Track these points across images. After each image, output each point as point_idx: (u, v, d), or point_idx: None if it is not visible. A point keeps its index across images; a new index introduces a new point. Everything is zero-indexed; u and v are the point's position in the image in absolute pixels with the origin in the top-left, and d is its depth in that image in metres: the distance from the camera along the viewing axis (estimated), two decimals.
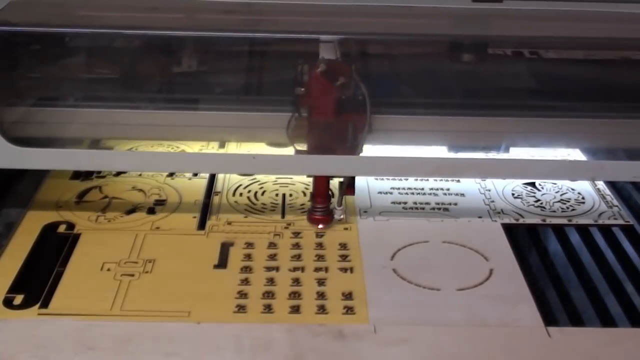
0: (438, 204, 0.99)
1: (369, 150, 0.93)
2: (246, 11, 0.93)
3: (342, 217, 0.93)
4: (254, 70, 1.06)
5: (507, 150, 0.93)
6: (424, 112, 0.98)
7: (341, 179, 0.93)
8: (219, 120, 1.00)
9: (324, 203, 0.93)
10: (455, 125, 0.98)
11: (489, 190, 1.02)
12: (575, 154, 1.06)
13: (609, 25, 0.93)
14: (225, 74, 1.07)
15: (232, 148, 1.07)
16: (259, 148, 1.03)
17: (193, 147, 1.08)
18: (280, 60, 1.04)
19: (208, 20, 0.96)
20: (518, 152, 0.98)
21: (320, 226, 0.92)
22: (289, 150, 0.94)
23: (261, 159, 0.92)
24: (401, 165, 0.92)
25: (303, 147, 0.93)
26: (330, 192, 0.94)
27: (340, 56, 0.91)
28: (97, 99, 1.01)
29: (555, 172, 0.94)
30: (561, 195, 1.03)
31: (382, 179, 1.04)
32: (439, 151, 1.00)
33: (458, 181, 1.04)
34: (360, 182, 1.03)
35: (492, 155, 0.98)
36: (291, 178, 1.04)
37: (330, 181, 0.94)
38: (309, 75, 0.91)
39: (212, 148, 1.08)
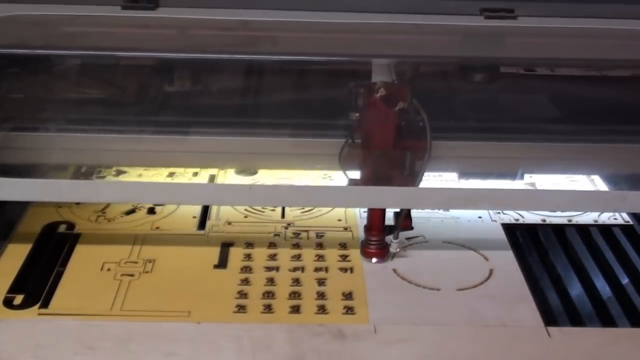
0: None
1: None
2: (242, 28, 0.88)
3: (397, 250, 0.86)
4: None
5: (522, 176, 0.89)
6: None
7: (397, 210, 0.86)
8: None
9: (379, 236, 0.86)
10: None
11: None
12: (596, 180, 1.03)
13: (629, 43, 0.91)
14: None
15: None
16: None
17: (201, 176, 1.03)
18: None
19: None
20: (535, 179, 0.95)
21: (374, 260, 0.86)
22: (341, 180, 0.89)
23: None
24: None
25: (356, 175, 0.87)
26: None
27: (396, 79, 0.85)
28: (83, 123, 0.95)
29: (573, 203, 0.87)
30: None
31: None
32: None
33: (458, 181, 1.03)
34: None
35: (506, 183, 0.94)
36: (292, 178, 1.04)
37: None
38: (366, 99, 0.85)
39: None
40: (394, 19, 0.87)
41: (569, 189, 0.97)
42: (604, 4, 0.89)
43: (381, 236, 0.86)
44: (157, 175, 1.02)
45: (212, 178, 1.02)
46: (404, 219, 0.85)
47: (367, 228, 0.87)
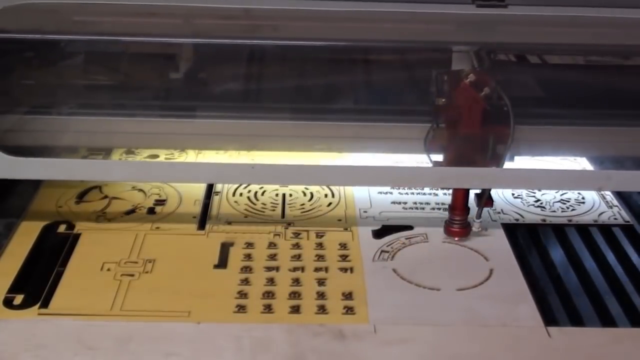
0: (438, 203, 0.99)
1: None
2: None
3: (479, 229, 0.91)
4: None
5: (512, 158, 0.92)
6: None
7: (478, 191, 0.91)
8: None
9: (462, 215, 0.90)
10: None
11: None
12: (583, 163, 1.06)
13: (617, 31, 0.92)
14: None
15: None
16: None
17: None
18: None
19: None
20: (524, 161, 0.95)
21: (457, 239, 0.91)
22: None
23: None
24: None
25: (440, 158, 0.90)
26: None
27: (478, 66, 0.88)
28: (94, 106, 0.98)
29: (561, 182, 0.92)
30: (561, 195, 1.03)
31: None
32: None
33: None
34: None
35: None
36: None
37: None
38: (453, 85, 0.88)
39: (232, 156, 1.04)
40: (388, 7, 0.90)
41: (556, 168, 0.99)
42: None
43: (464, 215, 0.91)
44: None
45: None
46: (487, 199, 0.90)
47: (451, 208, 0.91)
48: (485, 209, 0.95)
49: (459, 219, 0.91)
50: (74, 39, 0.95)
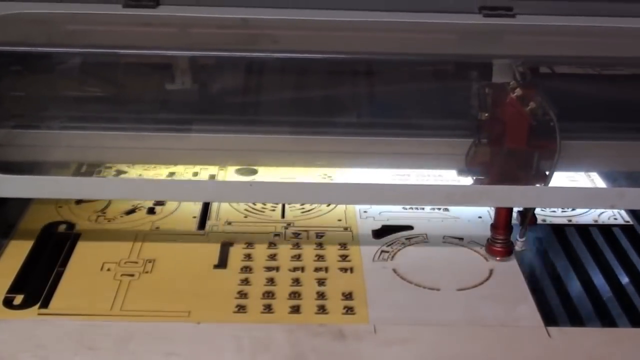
0: None
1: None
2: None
3: (523, 249, 0.88)
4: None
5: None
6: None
7: (521, 208, 0.88)
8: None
9: (505, 235, 0.87)
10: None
11: None
12: (595, 178, 1.04)
13: (627, 41, 0.90)
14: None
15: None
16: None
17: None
18: (326, 82, 0.98)
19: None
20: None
21: (498, 258, 0.87)
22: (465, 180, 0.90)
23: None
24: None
25: (482, 175, 0.89)
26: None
27: (520, 78, 0.86)
28: (86, 120, 0.94)
29: (571, 200, 0.89)
30: None
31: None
32: None
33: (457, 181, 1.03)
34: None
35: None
36: (292, 178, 1.04)
37: None
38: (497, 99, 0.86)
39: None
40: (391, 17, 0.88)
41: (567, 186, 0.97)
42: (603, 2, 0.89)
43: (507, 235, 0.87)
44: (158, 176, 1.01)
45: (212, 178, 1.02)
46: (531, 216, 0.87)
47: (494, 227, 0.88)
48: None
49: (501, 238, 0.88)
50: (64, 51, 0.92)
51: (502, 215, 0.87)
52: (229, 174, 1.03)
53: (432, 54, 0.93)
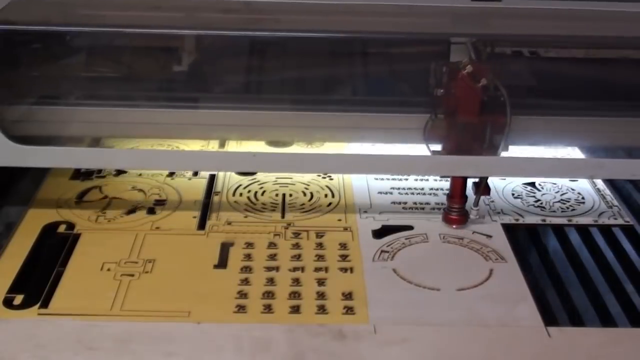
0: (438, 204, 0.99)
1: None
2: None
3: (477, 217, 0.94)
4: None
5: (506, 147, 0.93)
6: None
7: (476, 180, 0.94)
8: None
9: (461, 203, 0.93)
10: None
11: None
12: (574, 153, 1.07)
13: (609, 24, 0.93)
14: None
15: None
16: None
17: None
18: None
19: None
20: (517, 150, 0.97)
21: (455, 226, 0.93)
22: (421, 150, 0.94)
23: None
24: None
25: (438, 148, 0.93)
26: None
27: (475, 57, 0.91)
28: (99, 97, 1.00)
29: (553, 170, 0.94)
30: (561, 195, 1.03)
31: (382, 179, 1.05)
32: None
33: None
34: (360, 181, 1.04)
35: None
36: (291, 177, 1.04)
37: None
38: (451, 76, 0.90)
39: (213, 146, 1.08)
40: (387, 1, 0.92)
41: (548, 157, 1.00)
42: None
43: (462, 203, 0.94)
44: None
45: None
46: (484, 187, 0.93)
47: (450, 196, 0.94)
48: (486, 207, 0.97)
49: (457, 207, 0.93)
50: (79, 30, 0.98)
51: (458, 185, 0.93)
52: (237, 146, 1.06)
53: (424, 33, 0.97)
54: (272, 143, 1.07)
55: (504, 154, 0.92)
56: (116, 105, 0.98)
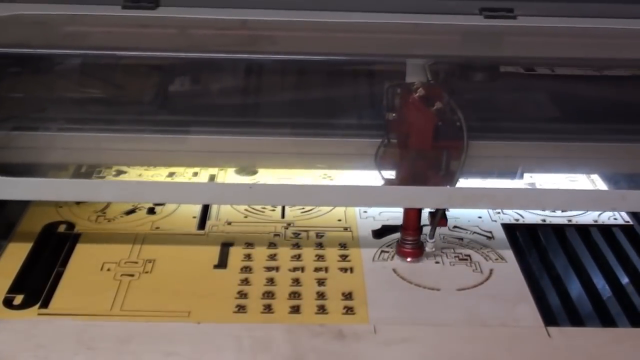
0: None
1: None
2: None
3: (433, 249, 0.87)
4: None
5: (521, 176, 0.90)
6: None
7: (432, 209, 0.87)
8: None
9: (415, 236, 0.86)
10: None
11: None
12: (596, 180, 1.03)
13: (628, 43, 0.91)
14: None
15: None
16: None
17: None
18: (326, 83, 0.98)
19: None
20: (535, 178, 0.94)
21: (409, 260, 0.86)
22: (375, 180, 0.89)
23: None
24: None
25: (391, 175, 0.88)
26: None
27: (432, 79, 0.86)
28: (84, 122, 0.94)
29: (572, 202, 0.88)
30: None
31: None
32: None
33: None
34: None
35: (505, 182, 0.94)
36: (291, 178, 1.04)
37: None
38: (403, 99, 0.85)
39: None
40: (393, 18, 0.88)
41: (568, 188, 0.97)
42: (604, 3, 0.89)
43: (417, 236, 0.86)
44: (157, 176, 1.02)
45: (212, 178, 1.02)
46: (440, 218, 0.86)
47: (403, 228, 0.87)
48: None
49: (411, 239, 0.86)
50: (63, 53, 0.92)
51: (412, 217, 0.86)
52: (229, 175, 1.02)
53: (429, 55, 0.92)
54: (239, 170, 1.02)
55: (461, 182, 0.85)
56: (102, 131, 0.93)
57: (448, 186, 0.85)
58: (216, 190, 0.90)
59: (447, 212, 0.88)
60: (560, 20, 0.88)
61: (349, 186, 0.89)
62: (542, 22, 0.88)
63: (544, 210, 0.96)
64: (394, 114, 0.86)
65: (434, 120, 0.84)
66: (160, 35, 0.90)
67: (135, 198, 0.92)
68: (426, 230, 0.87)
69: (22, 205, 0.96)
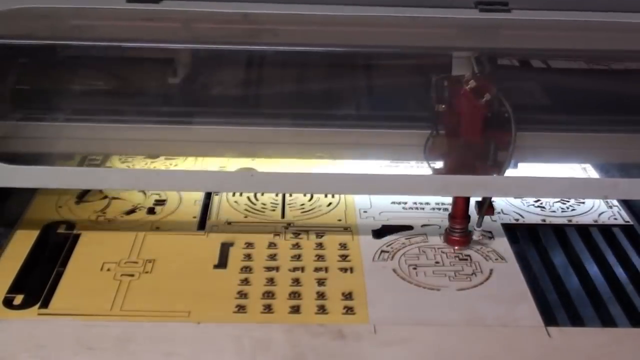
0: (438, 203, 0.99)
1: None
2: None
3: (480, 237, 0.89)
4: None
5: (515, 165, 0.91)
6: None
7: (479, 199, 0.89)
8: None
9: (463, 224, 0.89)
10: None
11: None
12: (589, 170, 1.04)
13: (622, 36, 0.91)
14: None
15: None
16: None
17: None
18: (326, 75, 1.00)
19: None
20: (528, 168, 0.93)
21: (457, 248, 0.89)
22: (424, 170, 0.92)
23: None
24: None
25: (440, 165, 0.90)
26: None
27: (478, 72, 0.87)
28: (90, 112, 0.96)
29: (566, 190, 0.90)
30: None
31: None
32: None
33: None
34: None
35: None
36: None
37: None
38: (453, 91, 0.86)
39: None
40: (389, 12, 0.89)
41: (561, 177, 0.98)
42: None
43: (465, 224, 0.89)
44: (161, 166, 1.03)
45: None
46: (488, 207, 0.88)
47: (452, 216, 0.90)
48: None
49: (459, 228, 0.89)
50: (69, 44, 0.94)
51: (460, 205, 0.88)
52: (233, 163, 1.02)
53: (427, 47, 0.94)
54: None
55: (510, 172, 0.87)
56: (108, 121, 0.94)
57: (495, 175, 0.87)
58: (218, 178, 0.91)
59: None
60: (553, 14, 0.89)
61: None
62: (536, 15, 0.89)
63: (537, 198, 0.98)
64: (442, 106, 0.88)
65: (483, 112, 0.86)
66: (163, 28, 0.91)
67: (140, 186, 0.94)
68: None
69: (22, 206, 0.96)
